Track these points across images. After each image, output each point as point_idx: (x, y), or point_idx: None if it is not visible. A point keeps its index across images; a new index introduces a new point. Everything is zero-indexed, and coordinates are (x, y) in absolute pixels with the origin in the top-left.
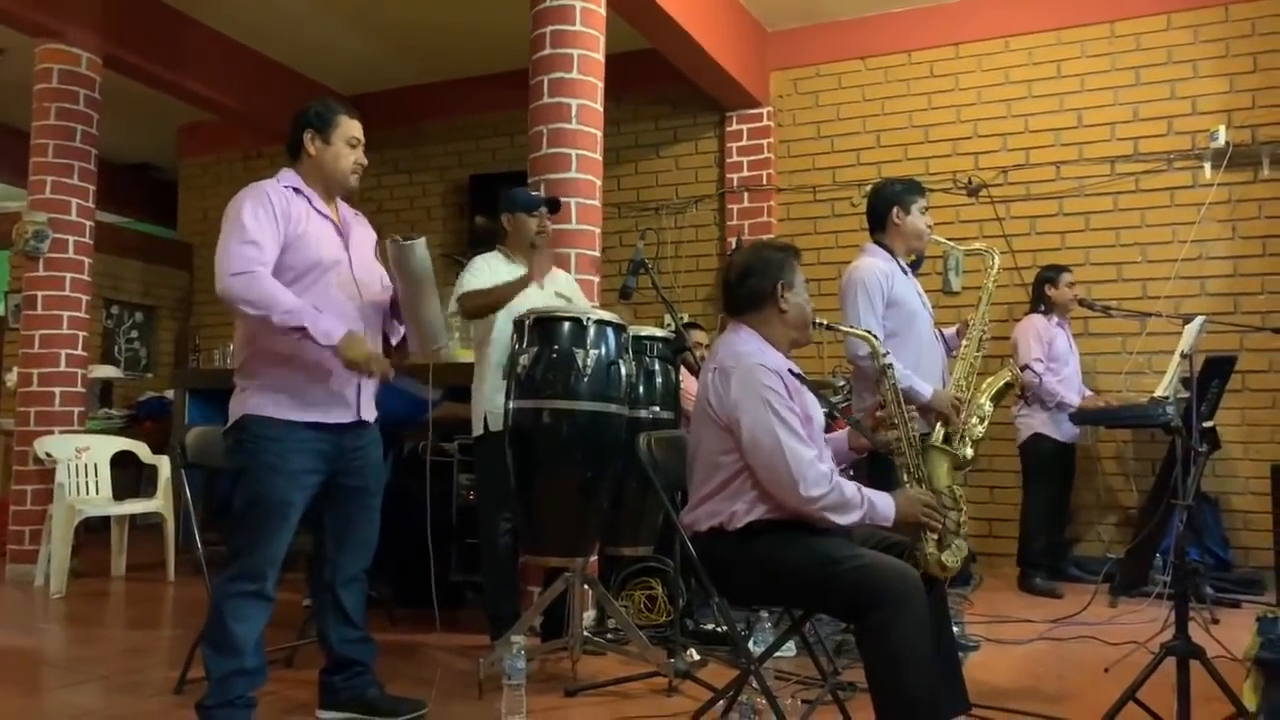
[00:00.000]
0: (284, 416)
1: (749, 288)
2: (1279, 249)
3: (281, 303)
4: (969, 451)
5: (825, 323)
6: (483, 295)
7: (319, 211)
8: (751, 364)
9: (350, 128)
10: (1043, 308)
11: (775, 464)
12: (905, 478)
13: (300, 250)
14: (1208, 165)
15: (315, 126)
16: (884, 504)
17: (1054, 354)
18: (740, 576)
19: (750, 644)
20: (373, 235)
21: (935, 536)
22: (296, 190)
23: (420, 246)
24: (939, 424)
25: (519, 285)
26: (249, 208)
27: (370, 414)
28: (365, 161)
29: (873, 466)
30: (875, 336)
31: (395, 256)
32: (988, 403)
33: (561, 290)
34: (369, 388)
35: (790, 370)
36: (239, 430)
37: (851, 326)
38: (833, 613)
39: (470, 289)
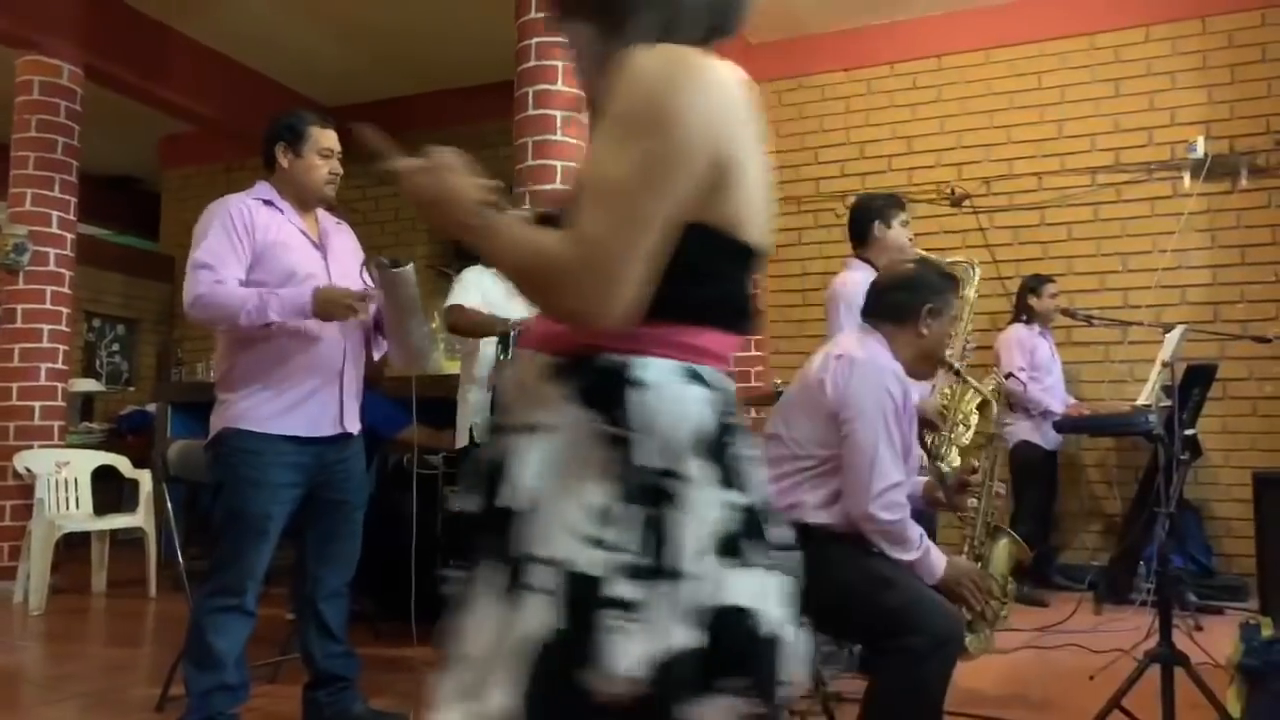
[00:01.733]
0: (264, 430)
1: (895, 299)
2: (1257, 258)
3: (242, 302)
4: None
5: (958, 369)
6: (470, 317)
7: (292, 223)
8: (884, 365)
9: (322, 139)
10: (1025, 317)
11: (861, 468)
12: (966, 550)
13: (271, 262)
14: (1187, 176)
15: (286, 139)
16: (937, 560)
17: (1037, 363)
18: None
19: None
20: (356, 244)
21: (968, 617)
22: (268, 202)
23: (409, 273)
24: (925, 431)
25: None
26: (210, 229)
27: (354, 425)
28: (340, 171)
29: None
30: (996, 400)
31: (383, 281)
32: (973, 411)
33: None
34: (352, 399)
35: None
36: (219, 444)
37: (979, 385)
38: (864, 634)
39: (458, 303)
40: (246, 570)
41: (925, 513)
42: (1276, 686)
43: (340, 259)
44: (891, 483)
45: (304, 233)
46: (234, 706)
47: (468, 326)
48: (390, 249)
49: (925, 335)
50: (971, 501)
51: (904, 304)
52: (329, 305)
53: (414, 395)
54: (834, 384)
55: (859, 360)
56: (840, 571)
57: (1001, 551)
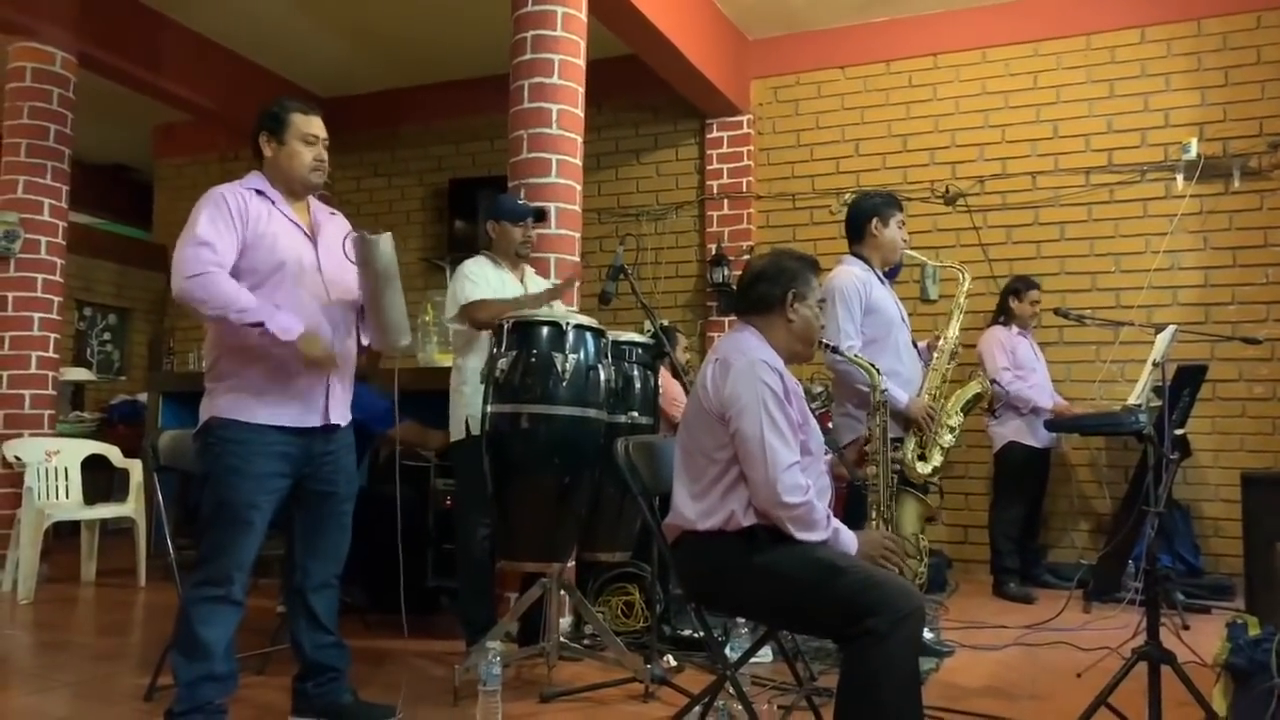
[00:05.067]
0: (250, 419)
1: (759, 291)
2: (1249, 260)
3: (237, 300)
4: (937, 462)
5: (829, 344)
6: (503, 307)
7: (283, 213)
8: (755, 359)
9: (304, 124)
10: (1003, 319)
11: (757, 461)
12: (873, 515)
13: (261, 251)
14: (1180, 177)
15: (269, 128)
16: (847, 538)
17: (1019, 362)
18: (735, 580)
19: (727, 650)
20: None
21: None
22: (259, 192)
23: (385, 241)
24: (911, 431)
25: (542, 299)
26: (204, 213)
27: (341, 417)
28: (325, 158)
29: (850, 500)
30: (877, 370)
31: (359, 251)
32: (958, 414)
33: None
34: (339, 391)
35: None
36: (206, 433)
37: (857, 356)
38: (825, 627)
39: (476, 298)
40: (233, 560)
41: (859, 493)
42: (1262, 685)
43: (332, 249)
44: (787, 464)
45: (295, 222)
46: (222, 696)
47: (492, 319)
48: None
49: (794, 320)
50: (871, 469)
51: (768, 295)
52: (310, 350)
53: (396, 388)
54: (714, 387)
55: (731, 360)
56: (788, 569)
57: (909, 511)
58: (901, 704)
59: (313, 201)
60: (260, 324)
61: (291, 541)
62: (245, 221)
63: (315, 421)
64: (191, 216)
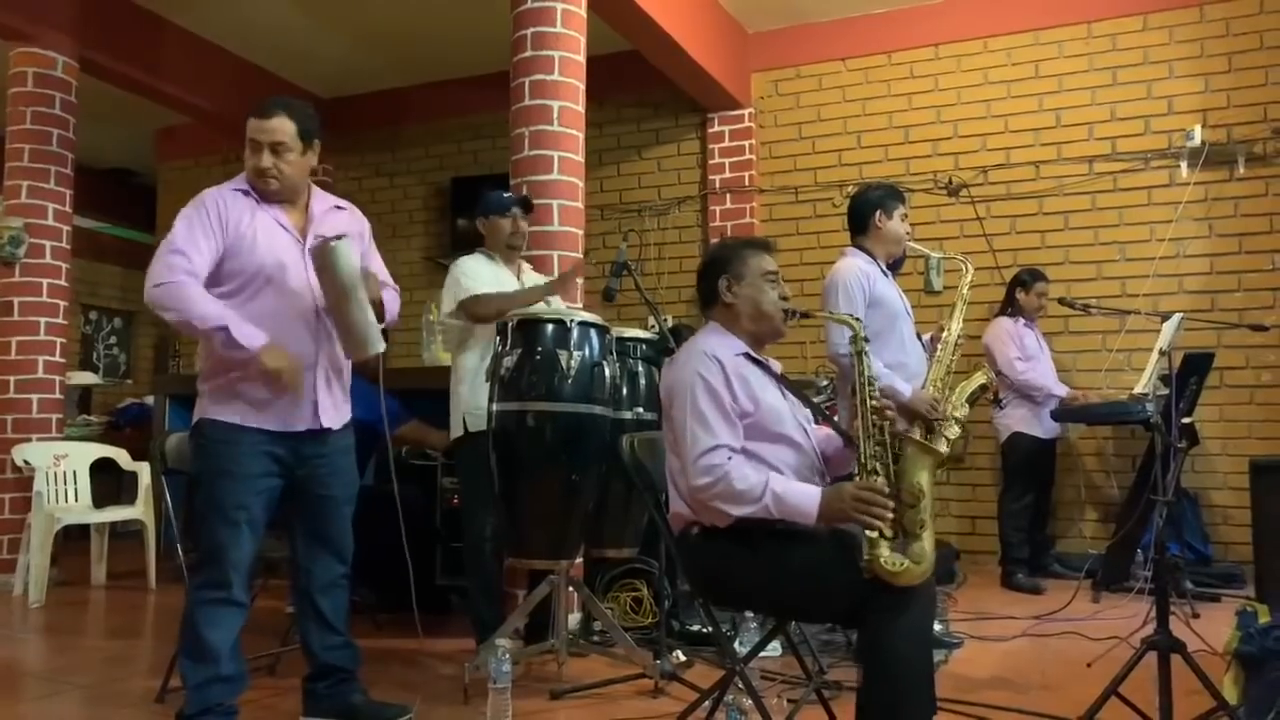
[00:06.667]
0: (236, 421)
1: (702, 288)
2: (1255, 247)
3: (200, 307)
4: (944, 446)
5: (801, 311)
6: (502, 301)
7: (269, 214)
8: (696, 350)
9: (250, 129)
10: (1010, 310)
11: (681, 450)
12: (855, 468)
13: (242, 256)
14: (1184, 164)
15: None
16: (801, 498)
17: (1026, 352)
18: (737, 573)
19: (736, 644)
20: (353, 225)
21: (875, 534)
22: (245, 192)
23: (344, 247)
24: (916, 424)
25: (541, 292)
26: (184, 220)
27: (335, 421)
28: (267, 164)
29: None
30: (858, 320)
31: (316, 259)
32: (963, 405)
33: None
34: (330, 394)
35: (748, 355)
36: (196, 434)
37: (833, 312)
38: (833, 618)
39: (476, 293)
40: (229, 562)
41: None
42: (1272, 673)
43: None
44: (702, 449)
45: (281, 224)
46: (231, 697)
47: (494, 313)
48: (387, 240)
49: (734, 302)
50: (856, 423)
51: (707, 289)
52: (272, 362)
53: (381, 385)
54: (663, 384)
55: (678, 355)
56: (792, 552)
57: (912, 461)
58: (911, 694)
59: (318, 196)
60: (225, 328)
61: (293, 545)
62: (226, 225)
63: (302, 426)
64: (175, 222)
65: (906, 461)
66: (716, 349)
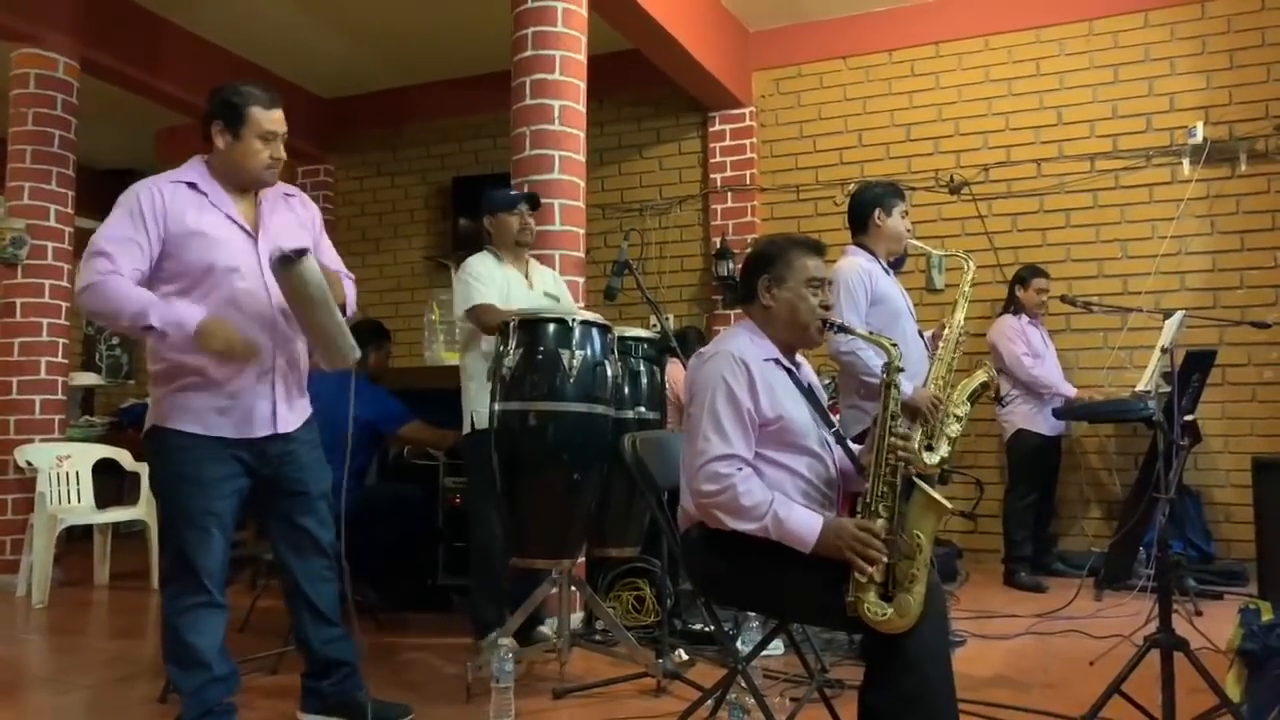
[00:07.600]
0: (191, 429)
1: (742, 285)
2: (1257, 244)
3: (128, 304)
4: (945, 452)
5: (839, 324)
6: (503, 315)
7: (218, 208)
8: (724, 350)
9: (264, 121)
10: (1013, 308)
11: (690, 451)
12: (859, 505)
13: (187, 254)
14: (1186, 161)
15: (225, 118)
16: (801, 526)
17: (1031, 349)
18: (739, 573)
19: (738, 643)
20: (305, 217)
21: (865, 579)
22: (191, 185)
23: (308, 264)
24: (917, 422)
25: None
26: (112, 217)
27: (293, 424)
28: (282, 154)
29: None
30: (894, 345)
31: (278, 279)
32: (964, 403)
33: (550, 290)
34: (287, 399)
35: (778, 360)
36: (151, 440)
37: (873, 333)
38: (835, 622)
39: (484, 302)
40: (201, 569)
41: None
42: (1275, 670)
43: (280, 239)
44: (711, 456)
45: (232, 218)
46: (228, 696)
47: (500, 325)
48: (388, 240)
49: (771, 306)
50: (868, 457)
51: (748, 287)
52: (208, 339)
53: (353, 380)
54: (687, 379)
55: (705, 353)
56: (797, 567)
57: (917, 511)
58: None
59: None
60: (151, 328)
61: (275, 545)
62: (163, 220)
63: (259, 433)
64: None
65: (912, 509)
66: (745, 352)
